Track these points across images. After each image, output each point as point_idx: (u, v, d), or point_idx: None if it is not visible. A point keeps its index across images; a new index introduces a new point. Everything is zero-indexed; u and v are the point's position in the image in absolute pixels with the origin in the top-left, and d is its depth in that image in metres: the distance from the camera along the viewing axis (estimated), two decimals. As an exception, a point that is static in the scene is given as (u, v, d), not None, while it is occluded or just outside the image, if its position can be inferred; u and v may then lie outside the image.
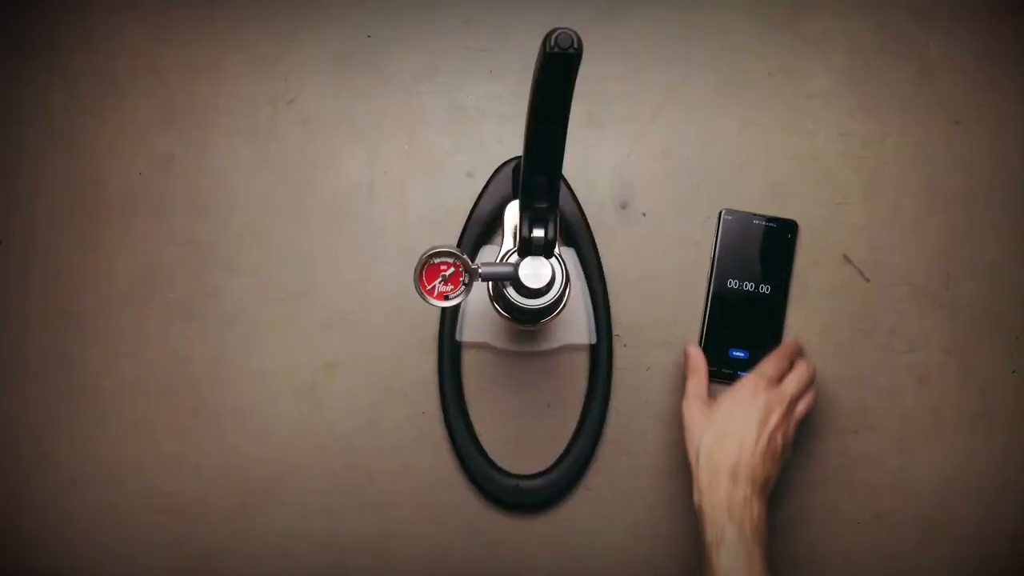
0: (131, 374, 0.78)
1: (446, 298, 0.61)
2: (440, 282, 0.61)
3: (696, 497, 0.67)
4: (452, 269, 0.61)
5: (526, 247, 0.63)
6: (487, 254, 0.77)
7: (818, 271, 0.79)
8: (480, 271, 0.61)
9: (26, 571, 0.77)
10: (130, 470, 0.77)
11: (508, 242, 0.73)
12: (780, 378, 0.71)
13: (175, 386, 0.78)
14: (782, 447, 0.68)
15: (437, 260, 0.60)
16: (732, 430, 0.67)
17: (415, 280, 0.60)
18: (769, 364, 0.71)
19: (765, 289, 0.78)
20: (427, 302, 0.61)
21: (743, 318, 0.78)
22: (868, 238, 0.79)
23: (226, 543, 0.77)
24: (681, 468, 0.77)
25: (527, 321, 0.72)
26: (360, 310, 0.78)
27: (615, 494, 0.77)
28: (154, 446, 0.77)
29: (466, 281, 0.61)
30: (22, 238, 0.79)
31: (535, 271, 0.64)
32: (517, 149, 0.79)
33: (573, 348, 0.78)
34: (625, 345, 0.78)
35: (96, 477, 0.77)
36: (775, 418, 0.67)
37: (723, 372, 0.78)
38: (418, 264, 0.60)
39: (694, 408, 0.70)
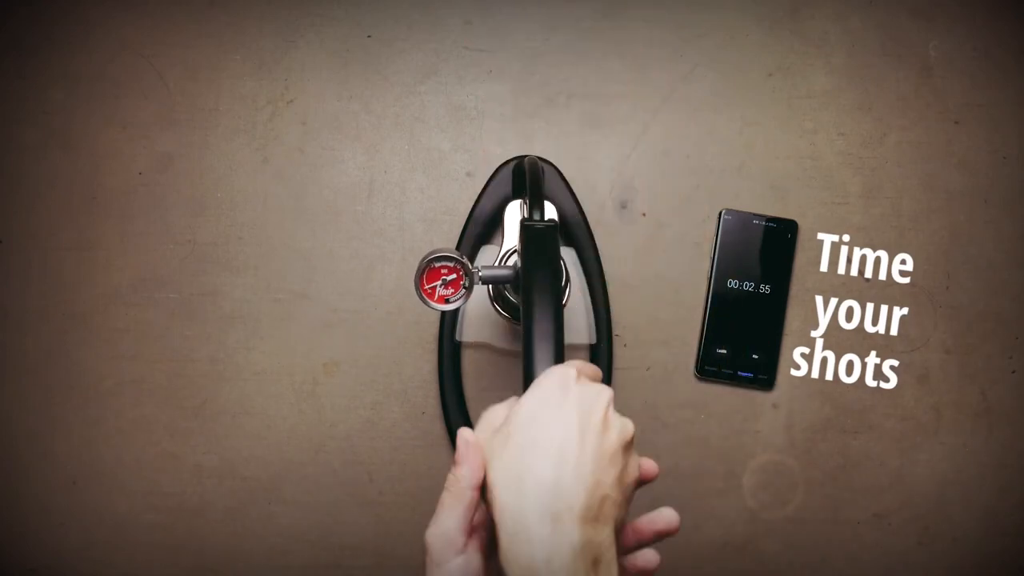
0: (131, 374, 0.78)
1: (447, 301, 0.61)
2: (441, 285, 0.61)
3: (499, 560, 0.43)
4: (453, 273, 0.61)
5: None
6: (487, 254, 0.77)
7: (818, 271, 0.79)
8: (480, 274, 0.61)
9: (26, 571, 0.77)
10: (130, 470, 0.77)
11: (508, 242, 0.73)
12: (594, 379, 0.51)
13: (175, 386, 0.78)
14: (623, 461, 0.47)
15: (437, 264, 0.60)
16: (540, 440, 0.44)
17: (416, 284, 0.60)
18: (580, 361, 0.51)
19: (765, 289, 0.78)
20: (428, 306, 0.61)
21: (743, 318, 0.78)
22: (868, 238, 0.79)
23: (226, 543, 0.77)
24: (682, 468, 0.77)
25: (527, 321, 0.72)
26: (360, 310, 0.78)
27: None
28: (154, 446, 0.78)
29: (466, 284, 0.61)
30: (22, 238, 0.79)
31: (535, 272, 0.64)
32: (517, 149, 0.80)
33: (573, 348, 0.78)
34: (625, 345, 0.78)
35: (96, 477, 0.77)
36: (599, 414, 0.46)
37: (723, 373, 0.78)
38: (418, 268, 0.60)
39: (484, 432, 0.48)
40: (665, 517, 0.51)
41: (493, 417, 0.48)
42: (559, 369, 0.48)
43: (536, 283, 0.53)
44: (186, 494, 0.77)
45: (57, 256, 0.79)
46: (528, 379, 0.49)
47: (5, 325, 0.78)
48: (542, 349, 0.50)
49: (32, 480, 0.77)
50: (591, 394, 0.47)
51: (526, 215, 0.61)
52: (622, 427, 0.48)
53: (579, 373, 0.48)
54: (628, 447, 0.48)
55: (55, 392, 0.78)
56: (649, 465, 0.52)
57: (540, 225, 0.58)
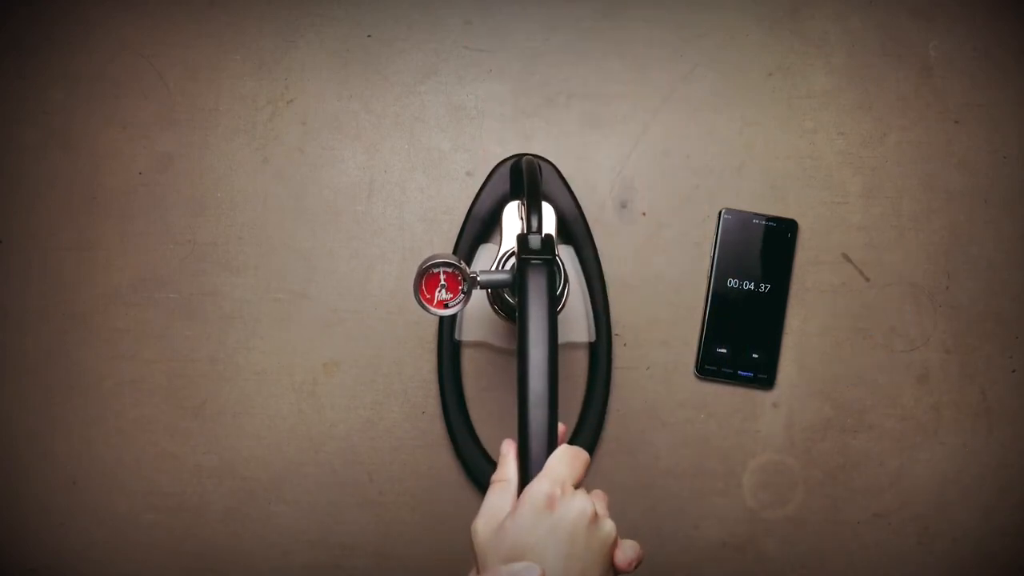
0: (131, 374, 0.78)
1: (446, 306, 0.61)
2: (439, 291, 0.61)
3: None
4: (451, 279, 0.61)
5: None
6: (485, 253, 0.77)
7: (818, 271, 0.79)
8: (479, 279, 0.61)
9: (26, 571, 0.77)
10: (130, 470, 0.77)
11: (507, 242, 0.73)
12: (577, 482, 0.53)
13: (175, 386, 0.78)
14: (604, 569, 0.51)
15: (436, 270, 0.60)
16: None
17: (415, 290, 0.60)
18: (561, 464, 0.53)
19: (765, 289, 0.78)
20: (428, 311, 0.61)
21: (743, 318, 0.78)
22: (868, 238, 0.79)
23: (226, 543, 0.77)
24: (682, 468, 0.77)
25: (527, 321, 0.72)
26: (360, 310, 0.78)
27: (615, 494, 0.77)
28: (154, 446, 0.78)
29: (465, 289, 0.61)
30: (22, 238, 0.79)
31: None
32: (517, 149, 0.80)
33: (573, 346, 0.78)
34: (625, 344, 0.78)
35: (96, 477, 0.77)
36: (583, 532, 0.50)
37: (723, 372, 0.78)
38: (417, 274, 0.60)
39: (483, 532, 0.51)
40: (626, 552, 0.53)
41: (497, 504, 0.52)
42: (546, 488, 0.51)
43: (530, 347, 0.55)
44: (186, 494, 0.77)
45: (57, 256, 0.79)
46: (524, 478, 0.53)
47: (5, 325, 0.78)
48: (537, 445, 0.53)
49: (32, 480, 0.77)
50: (575, 512, 0.50)
51: (524, 228, 0.60)
52: (605, 537, 0.51)
53: (563, 489, 0.51)
54: (611, 550, 0.51)
55: (55, 392, 0.78)
56: (624, 559, 0.52)
57: (536, 261, 0.58)
